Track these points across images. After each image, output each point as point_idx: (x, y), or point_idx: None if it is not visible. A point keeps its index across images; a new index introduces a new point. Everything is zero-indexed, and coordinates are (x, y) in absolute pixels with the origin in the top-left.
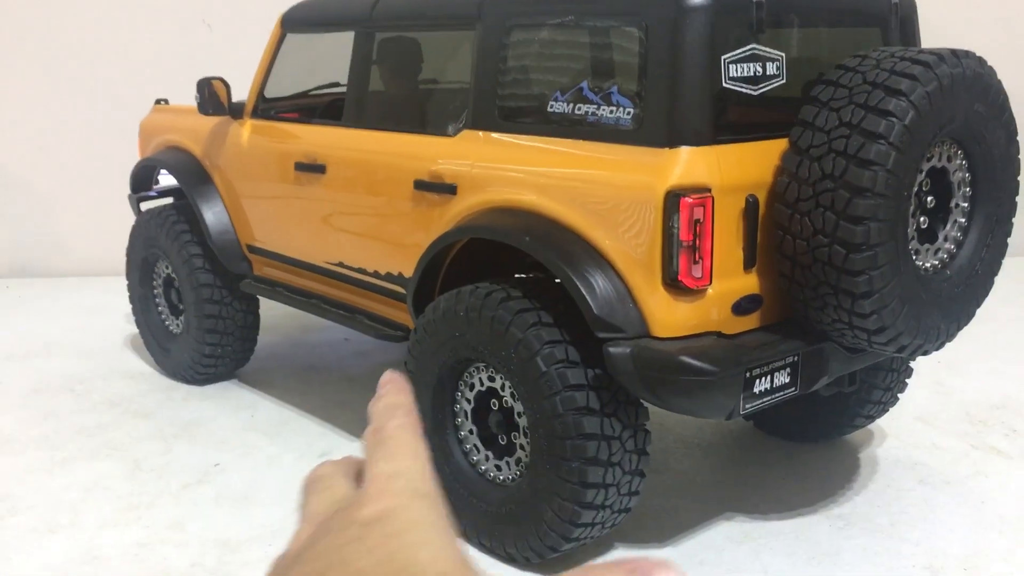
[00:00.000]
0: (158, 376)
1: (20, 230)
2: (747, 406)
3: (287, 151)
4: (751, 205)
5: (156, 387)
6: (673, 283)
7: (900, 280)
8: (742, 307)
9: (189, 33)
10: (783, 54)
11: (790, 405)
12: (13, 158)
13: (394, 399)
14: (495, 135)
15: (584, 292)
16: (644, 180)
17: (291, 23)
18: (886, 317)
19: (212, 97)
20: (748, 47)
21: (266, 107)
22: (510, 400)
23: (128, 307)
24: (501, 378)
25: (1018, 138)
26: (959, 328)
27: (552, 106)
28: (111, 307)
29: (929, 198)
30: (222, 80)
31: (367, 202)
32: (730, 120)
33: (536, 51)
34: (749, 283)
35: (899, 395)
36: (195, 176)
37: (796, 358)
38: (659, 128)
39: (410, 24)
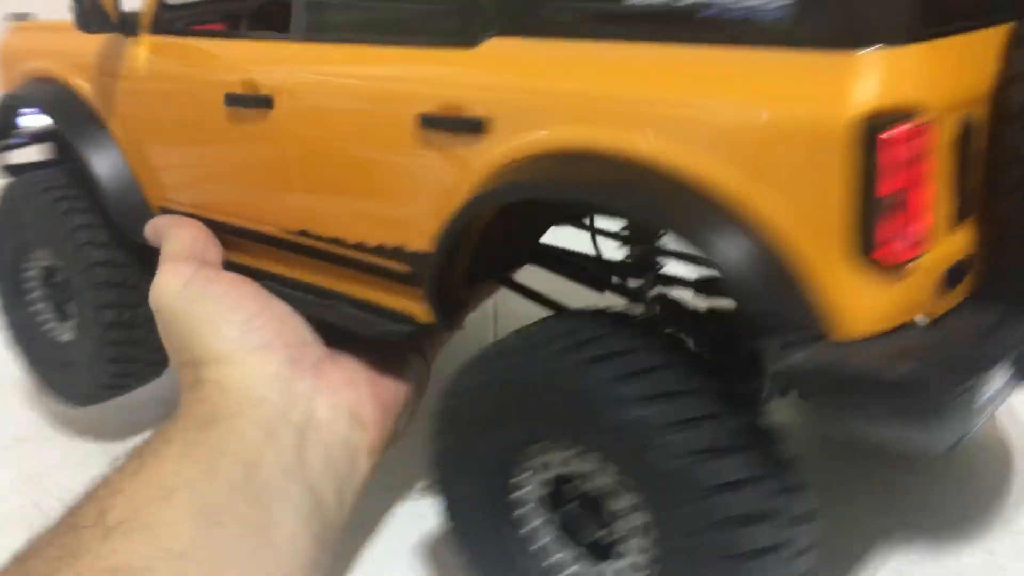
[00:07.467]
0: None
1: None
2: (974, 429)
3: (209, 79)
4: (967, 130)
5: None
6: (868, 259)
7: None
8: (952, 278)
9: None
10: None
11: None
12: None
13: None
14: (545, 42)
15: (745, 279)
16: (814, 105)
17: None
18: None
19: (94, 6)
20: None
21: (171, 17)
22: (608, 490)
23: None
24: (587, 462)
25: None
26: None
27: None
28: None
29: None
30: None
31: (342, 147)
32: (939, 2)
33: None
34: (960, 243)
35: None
36: (78, 116)
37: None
38: (833, 19)
39: None
